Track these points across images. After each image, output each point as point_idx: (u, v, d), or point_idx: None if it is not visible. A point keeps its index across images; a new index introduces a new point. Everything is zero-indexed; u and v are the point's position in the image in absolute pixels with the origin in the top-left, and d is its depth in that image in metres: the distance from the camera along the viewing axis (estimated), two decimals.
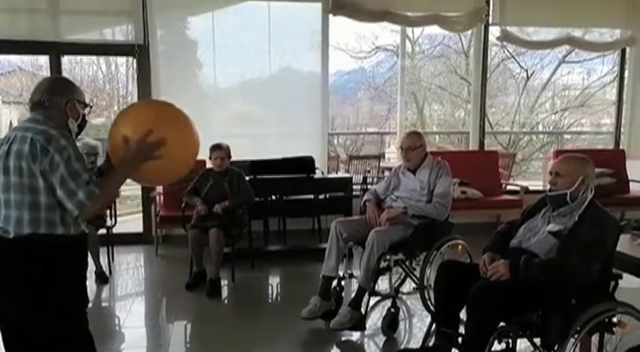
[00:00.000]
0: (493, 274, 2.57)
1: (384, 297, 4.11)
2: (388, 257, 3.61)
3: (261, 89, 6.23)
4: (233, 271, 4.66)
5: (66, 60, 13.63)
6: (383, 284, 4.28)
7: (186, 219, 4.71)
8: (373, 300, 3.85)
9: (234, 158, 4.91)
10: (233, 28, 5.95)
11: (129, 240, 5.80)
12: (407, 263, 3.79)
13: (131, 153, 2.14)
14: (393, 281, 4.16)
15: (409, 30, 11.82)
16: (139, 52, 5.63)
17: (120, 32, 5.69)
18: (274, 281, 5.05)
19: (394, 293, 3.71)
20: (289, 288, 4.78)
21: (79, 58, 13.03)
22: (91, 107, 2.32)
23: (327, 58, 6.12)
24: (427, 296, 3.59)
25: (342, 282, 3.94)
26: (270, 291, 4.79)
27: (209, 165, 4.82)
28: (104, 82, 13.26)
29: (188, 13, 6.02)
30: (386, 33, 12.43)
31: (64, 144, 2.05)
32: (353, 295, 3.58)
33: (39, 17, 5.46)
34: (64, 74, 14.03)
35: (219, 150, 4.64)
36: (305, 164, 5.38)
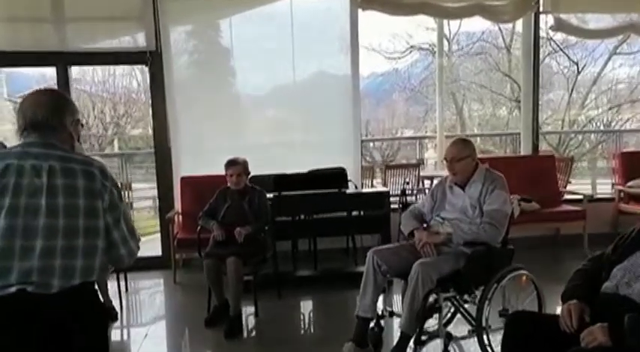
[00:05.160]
0: (588, 342, 1.89)
1: (432, 336, 3.45)
2: (437, 294, 2.96)
3: (285, 96, 5.72)
4: (256, 303, 4.08)
5: (100, 72, 13.70)
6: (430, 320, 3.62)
7: (203, 243, 4.17)
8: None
9: (258, 172, 4.42)
10: (253, 31, 5.45)
11: (146, 264, 5.27)
12: (458, 298, 3.14)
13: None
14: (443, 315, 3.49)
15: (446, 27, 11.20)
16: (152, 59, 5.15)
17: (130, 39, 5.24)
18: (304, 312, 4.46)
19: (446, 339, 3.05)
20: (321, 321, 4.19)
21: (112, 69, 12.91)
22: (83, 126, 2.02)
23: (358, 58, 5.52)
24: (487, 342, 2.94)
25: (382, 321, 3.31)
26: (299, 325, 4.18)
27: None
28: (138, 93, 13.13)
29: (202, 18, 5.54)
30: (420, 31, 11.91)
31: (115, 179, 1.83)
32: (395, 342, 2.95)
33: (42, 26, 5.06)
34: (98, 87, 13.97)
35: (235, 165, 4.08)
36: (335, 177, 4.77)
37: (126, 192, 7.19)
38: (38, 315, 1.66)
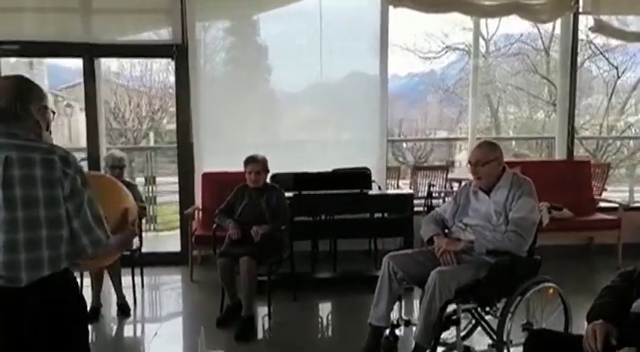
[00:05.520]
0: None
1: (448, 349, 3.28)
2: (455, 305, 2.79)
3: (313, 94, 5.62)
4: (269, 306, 3.97)
5: (137, 66, 13.88)
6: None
7: (219, 241, 4.09)
8: None
9: (283, 169, 4.37)
10: (283, 28, 5.38)
11: (165, 260, 5.26)
12: (479, 310, 2.96)
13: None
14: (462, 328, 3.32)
15: (483, 27, 10.90)
16: (177, 52, 5.09)
17: (157, 32, 5.20)
18: (320, 315, 4.33)
19: None
20: (338, 325, 4.07)
21: (149, 63, 13.06)
22: (54, 113, 1.91)
23: (387, 56, 5.36)
24: None
25: (397, 331, 3.16)
26: (314, 329, 4.05)
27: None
28: (174, 88, 13.20)
29: (230, 14, 5.47)
30: (457, 31, 11.61)
31: (80, 165, 1.75)
32: None
33: (70, 17, 5.06)
34: (135, 83, 14.15)
35: (254, 163, 3.98)
36: (359, 177, 4.63)
37: (149, 187, 7.30)
38: (11, 308, 1.65)
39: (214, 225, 4.12)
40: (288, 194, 4.26)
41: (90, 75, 5.18)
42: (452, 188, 6.38)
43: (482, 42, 11.33)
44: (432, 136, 14.51)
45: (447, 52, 12.40)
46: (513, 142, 11.95)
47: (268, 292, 3.94)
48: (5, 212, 1.62)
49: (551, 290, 2.96)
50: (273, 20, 5.39)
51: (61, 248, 1.69)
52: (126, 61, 13.47)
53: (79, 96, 14.67)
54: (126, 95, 14.85)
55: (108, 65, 14.54)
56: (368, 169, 4.90)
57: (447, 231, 3.15)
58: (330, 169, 4.89)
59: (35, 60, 10.47)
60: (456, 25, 11.13)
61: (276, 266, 3.98)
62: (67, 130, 13.09)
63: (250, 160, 3.99)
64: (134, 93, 13.89)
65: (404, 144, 13.74)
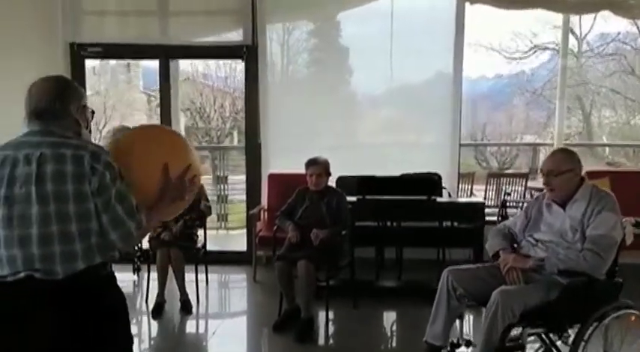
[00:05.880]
0: None
1: None
2: (520, 330, 2.55)
3: (384, 96, 5.50)
4: (327, 312, 3.86)
5: (223, 67, 14.34)
6: None
7: (278, 243, 4.05)
8: None
9: (350, 172, 4.32)
10: (355, 29, 5.31)
11: (231, 258, 5.30)
12: (549, 335, 2.69)
13: (171, 189, 1.87)
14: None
15: (576, 25, 10.23)
16: (248, 53, 5.12)
17: (228, 33, 5.26)
18: (381, 325, 4.16)
19: None
20: (398, 337, 3.91)
21: (234, 65, 13.43)
22: (93, 113, 1.95)
23: (462, 56, 5.11)
24: None
25: (457, 351, 2.95)
26: (373, 339, 3.86)
27: None
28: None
29: (300, 15, 5.46)
30: (547, 29, 10.97)
31: (110, 161, 1.75)
32: None
33: (148, 19, 5.23)
34: (220, 83, 14.60)
35: (315, 165, 3.89)
36: (427, 183, 4.42)
37: (221, 185, 7.44)
38: (49, 301, 1.67)
39: (274, 227, 4.07)
40: (351, 198, 4.14)
41: (165, 76, 5.32)
42: (531, 198, 5.99)
43: (574, 41, 10.65)
44: (517, 141, 13.88)
45: (535, 51, 11.76)
46: (607, 149, 11.12)
47: (326, 298, 3.84)
48: (39, 207, 1.67)
49: (633, 318, 2.64)
50: (347, 21, 5.34)
51: (92, 239, 1.72)
52: (212, 63, 13.95)
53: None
54: (211, 95, 15.37)
55: (196, 67, 15.19)
56: (437, 175, 4.67)
57: (515, 246, 2.90)
58: (398, 173, 4.72)
59: (132, 62, 11.07)
60: (546, 23, 10.55)
61: (335, 272, 3.87)
62: None
63: (312, 163, 3.91)
64: (219, 93, 14.29)
65: (488, 149, 13.28)
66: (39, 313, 1.67)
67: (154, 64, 7.87)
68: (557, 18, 7.14)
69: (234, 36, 5.22)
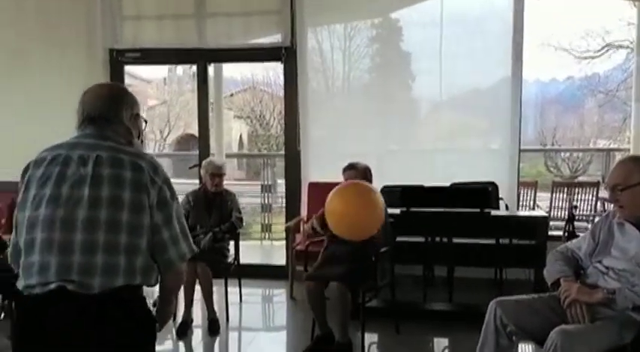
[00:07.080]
0: None
1: None
2: None
3: (436, 99, 5.06)
4: (363, 336, 3.42)
5: (280, 74, 14.39)
6: None
7: (311, 257, 3.71)
8: None
9: (387, 182, 3.97)
10: (396, 32, 5.01)
11: (269, 273, 5.01)
12: None
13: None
14: None
15: None
16: (286, 55, 4.84)
17: (266, 35, 5.01)
18: None
19: None
20: None
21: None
22: (146, 122, 1.91)
23: (521, 57, 4.62)
24: None
25: None
26: None
27: None
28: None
29: (340, 16, 5.12)
30: (622, 26, 10.16)
31: (168, 176, 1.72)
32: None
33: (185, 23, 5.07)
34: (279, 90, 14.66)
35: (353, 170, 3.54)
36: (480, 194, 3.96)
37: (266, 194, 7.18)
38: (79, 317, 1.55)
39: (306, 242, 3.73)
40: (394, 210, 3.74)
41: (202, 80, 5.13)
42: (604, 210, 5.36)
43: None
44: (590, 146, 13.01)
45: (608, 50, 10.91)
46: None
47: (362, 321, 3.43)
48: (88, 211, 1.58)
49: None
50: (389, 24, 5.05)
51: (138, 258, 1.61)
52: (271, 68, 13.90)
53: (236, 104, 15.53)
54: (270, 102, 15.33)
55: (255, 73, 15.20)
56: (493, 185, 4.19)
57: (580, 272, 2.42)
58: (448, 183, 4.29)
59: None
60: (620, 20, 9.75)
61: (372, 293, 3.48)
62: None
63: (349, 167, 3.56)
64: (278, 100, 14.29)
65: (559, 155, 12.59)
66: (65, 329, 1.56)
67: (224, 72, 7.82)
68: (632, 14, 6.49)
69: (273, 38, 4.96)
